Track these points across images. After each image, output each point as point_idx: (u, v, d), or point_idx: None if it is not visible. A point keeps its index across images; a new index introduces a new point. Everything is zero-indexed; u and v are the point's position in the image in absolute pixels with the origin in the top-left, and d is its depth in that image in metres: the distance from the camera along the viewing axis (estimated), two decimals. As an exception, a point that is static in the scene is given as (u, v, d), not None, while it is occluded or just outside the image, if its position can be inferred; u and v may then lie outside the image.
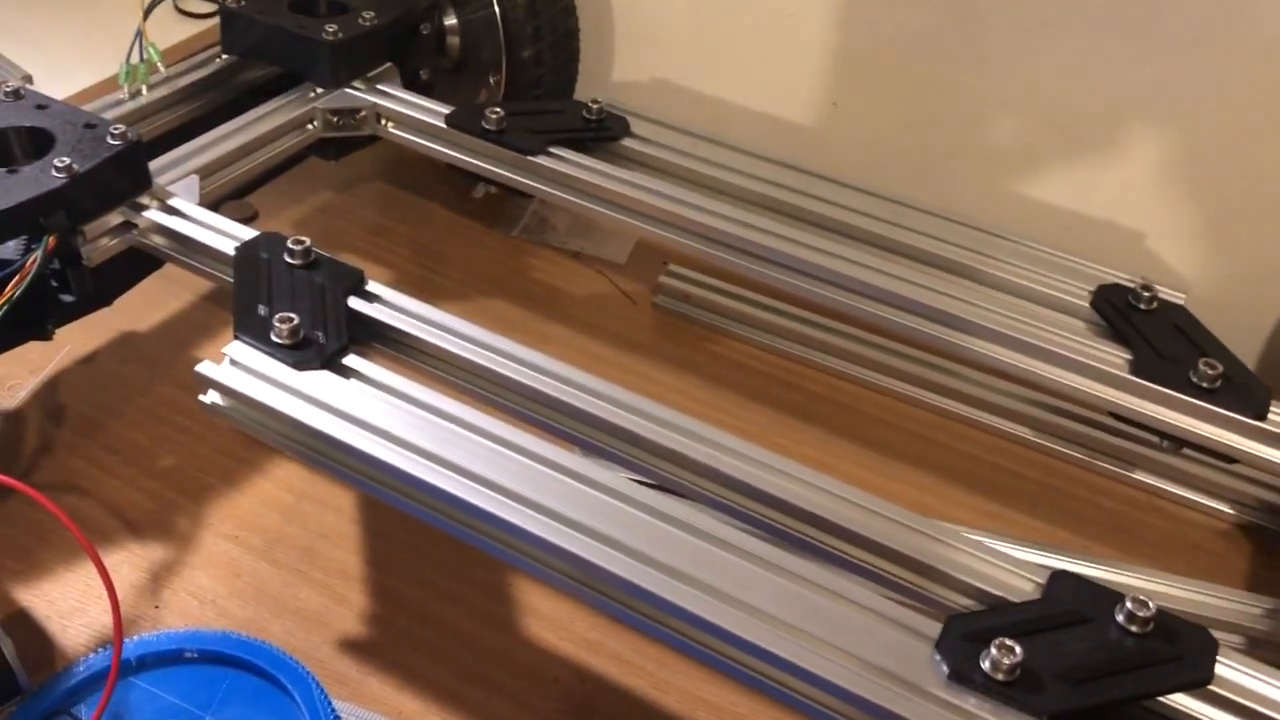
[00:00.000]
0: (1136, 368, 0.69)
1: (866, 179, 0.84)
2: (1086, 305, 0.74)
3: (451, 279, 0.96)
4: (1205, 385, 0.67)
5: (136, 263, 0.74)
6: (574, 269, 0.99)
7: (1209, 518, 0.80)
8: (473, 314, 0.66)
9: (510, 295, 0.94)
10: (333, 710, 0.60)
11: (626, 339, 0.92)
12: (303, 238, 0.68)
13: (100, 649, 0.62)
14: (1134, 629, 0.52)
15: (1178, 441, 0.69)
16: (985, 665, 0.49)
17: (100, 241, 0.71)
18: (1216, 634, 0.53)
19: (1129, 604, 0.52)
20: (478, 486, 0.56)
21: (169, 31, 1.01)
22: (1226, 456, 0.68)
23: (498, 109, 0.83)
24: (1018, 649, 0.49)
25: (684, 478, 0.60)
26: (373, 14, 0.89)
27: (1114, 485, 0.82)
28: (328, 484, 0.75)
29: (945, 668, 0.50)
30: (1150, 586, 0.70)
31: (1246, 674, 0.51)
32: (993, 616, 0.52)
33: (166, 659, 0.61)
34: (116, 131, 0.71)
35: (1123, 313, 0.72)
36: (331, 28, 0.86)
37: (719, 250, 0.78)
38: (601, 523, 0.54)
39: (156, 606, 0.67)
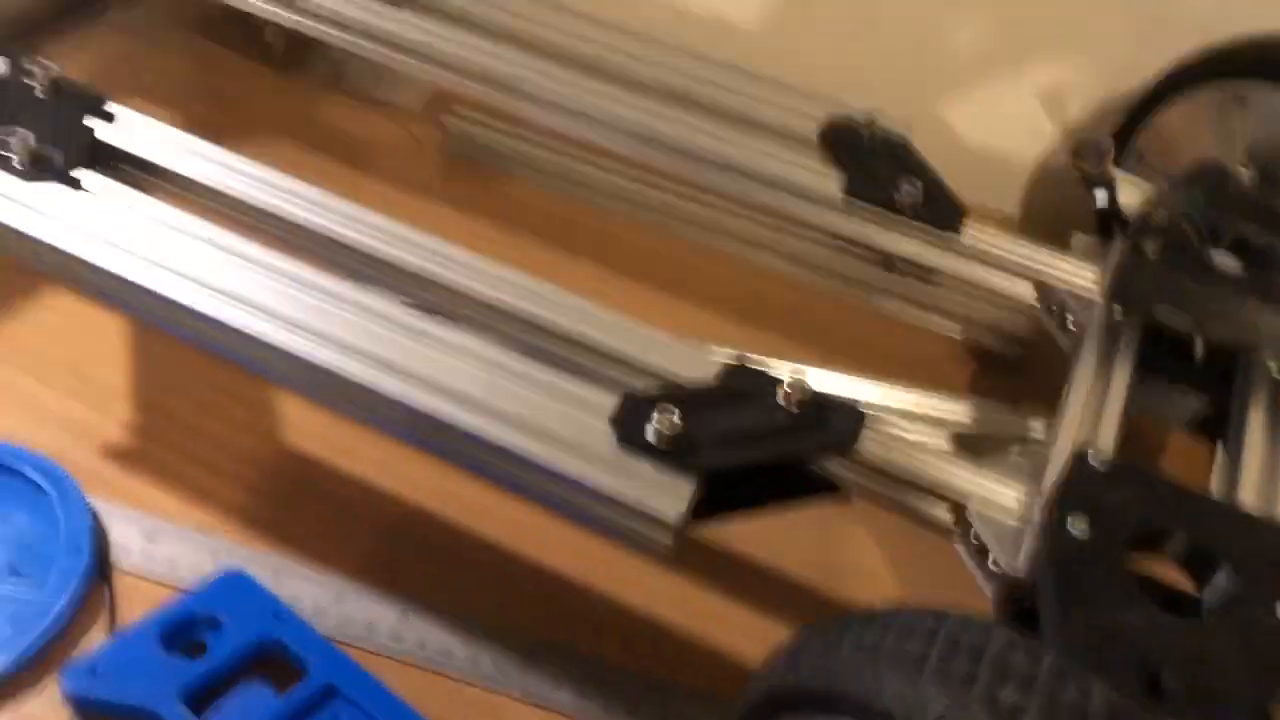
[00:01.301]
0: (847, 189, 0.75)
1: (655, 30, 0.87)
2: (814, 137, 0.79)
3: (238, 124, 0.97)
4: (907, 203, 0.74)
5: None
6: (367, 116, 1.01)
7: (944, 339, 0.88)
8: (254, 158, 0.68)
9: (298, 140, 0.97)
10: (86, 503, 0.64)
11: (411, 181, 0.95)
12: (48, 61, 0.70)
13: None
14: (791, 407, 0.58)
15: (886, 258, 0.76)
16: (649, 432, 0.55)
17: None
18: (920, 428, 0.60)
19: (787, 385, 0.58)
20: (209, 292, 0.60)
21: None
22: (925, 268, 0.75)
23: (264, -58, 0.85)
24: (677, 416, 0.55)
25: (416, 289, 0.65)
26: None
27: (858, 311, 0.89)
28: (99, 312, 0.77)
29: (615, 435, 0.56)
30: (878, 396, 0.76)
31: (888, 443, 0.58)
32: (664, 394, 0.58)
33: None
34: None
35: (845, 144, 0.78)
36: None
37: (498, 91, 0.82)
38: (329, 324, 0.59)
39: (-79, 423, 0.70)
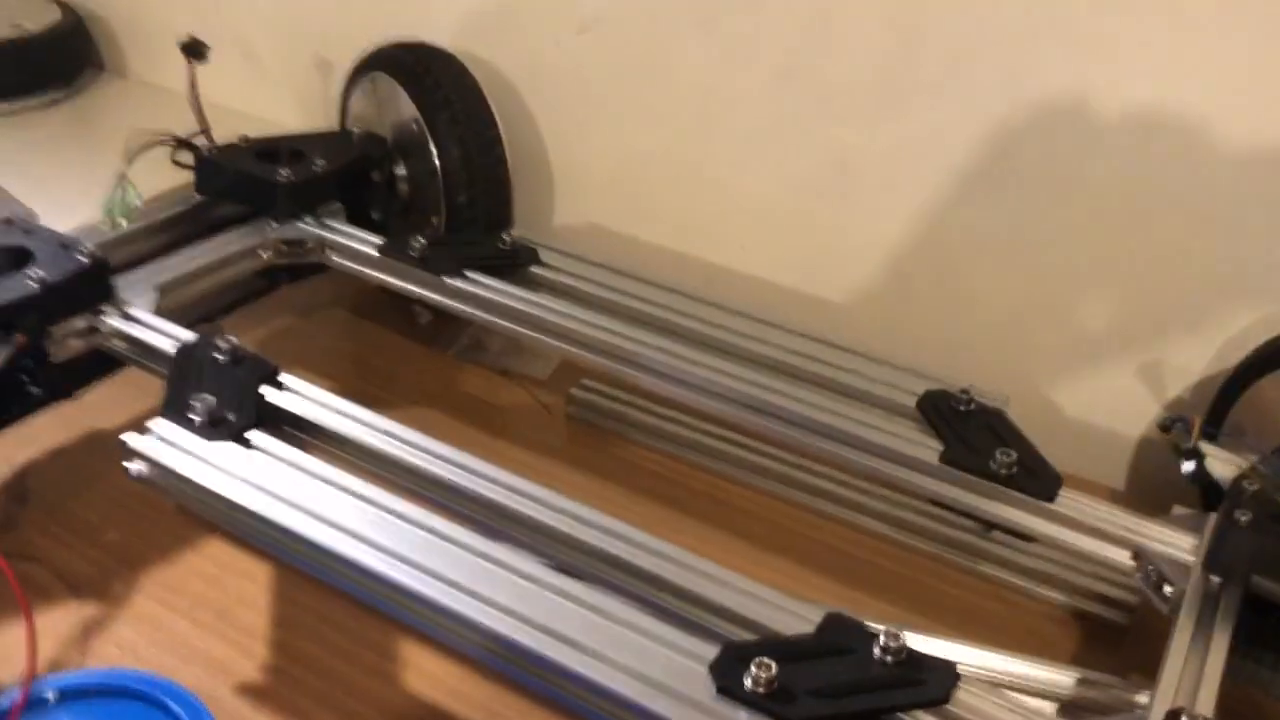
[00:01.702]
0: (945, 458, 0.79)
1: (760, 307, 0.96)
2: (913, 406, 0.84)
3: (387, 391, 1.08)
4: (1003, 471, 0.77)
5: (98, 363, 0.87)
6: (500, 384, 1.11)
7: (1045, 605, 0.88)
8: (400, 420, 0.76)
9: (438, 405, 1.06)
10: (222, 738, 0.69)
11: (539, 443, 1.03)
12: (231, 337, 0.80)
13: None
14: (886, 658, 0.61)
15: (984, 523, 0.79)
16: (747, 681, 0.58)
17: (65, 342, 0.84)
18: (1028, 698, 0.62)
19: (883, 638, 0.61)
20: (359, 543, 0.66)
21: (161, 179, 1.15)
22: (1024, 535, 0.77)
23: (422, 239, 0.97)
24: (774, 666, 0.58)
25: (540, 541, 0.71)
26: (324, 162, 1.03)
27: (960, 576, 0.91)
28: (249, 557, 0.85)
29: (714, 684, 0.59)
30: (977, 660, 0.77)
31: (984, 700, 0.60)
32: (763, 645, 0.61)
33: (81, 693, 0.71)
34: (85, 250, 0.85)
35: (943, 414, 0.83)
36: (286, 172, 1.00)
37: (618, 364, 0.90)
38: (458, 572, 0.64)
39: (83, 654, 0.76)
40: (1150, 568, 0.73)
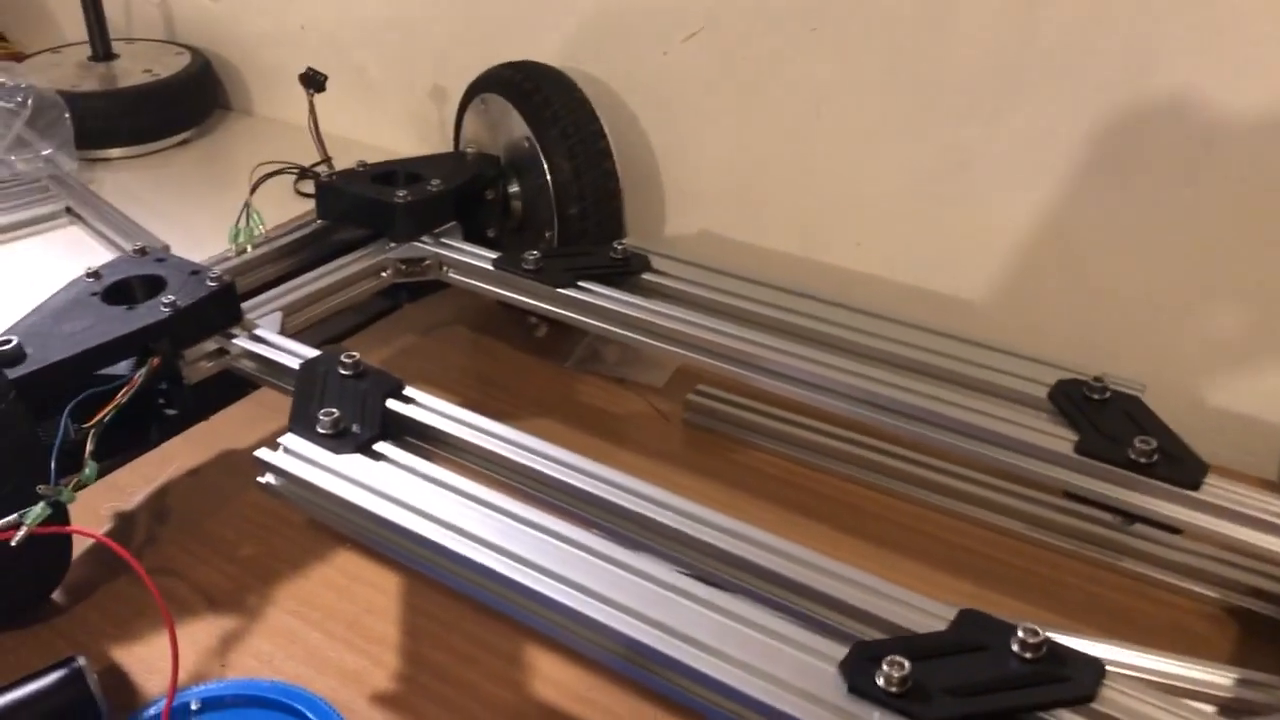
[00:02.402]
0: (1080, 448, 0.75)
1: (878, 305, 0.94)
2: (1044, 398, 0.81)
3: (507, 403, 1.08)
4: (1142, 460, 0.73)
5: (230, 384, 0.90)
6: (617, 393, 1.10)
7: (1195, 602, 0.84)
8: (521, 430, 0.77)
9: (557, 416, 1.06)
10: (355, 745, 0.70)
11: (657, 450, 1.02)
12: (354, 353, 0.82)
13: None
14: (1026, 655, 0.58)
15: (1125, 515, 0.75)
16: (879, 680, 0.56)
17: (198, 364, 0.87)
18: (1185, 701, 0.59)
19: (1021, 632, 0.58)
20: (484, 549, 0.66)
21: (287, 209, 1.19)
22: (1168, 527, 0.73)
23: (535, 252, 0.98)
24: (907, 664, 0.56)
25: (663, 544, 0.70)
26: (439, 182, 1.05)
27: (1101, 573, 0.87)
28: (377, 568, 0.86)
29: (845, 683, 0.57)
30: (1124, 658, 0.74)
31: (1133, 697, 0.57)
32: (895, 643, 0.59)
33: (222, 703, 0.73)
34: (214, 275, 0.88)
35: (1076, 403, 0.79)
36: (402, 193, 1.02)
37: (735, 367, 0.89)
38: (584, 577, 0.64)
39: (223, 665, 0.78)
40: (1311, 557, 0.68)
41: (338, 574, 0.87)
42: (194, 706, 0.72)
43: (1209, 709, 0.62)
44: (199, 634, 0.81)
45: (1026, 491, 0.90)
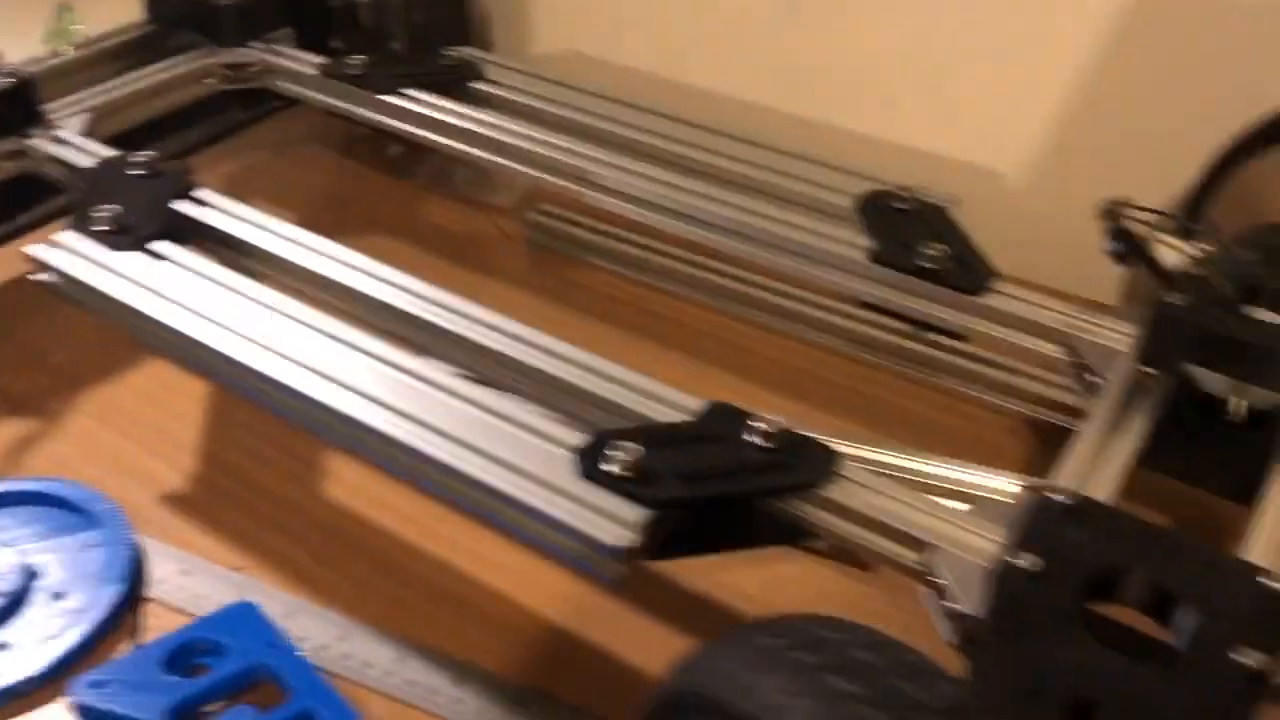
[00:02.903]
0: (873, 256, 0.75)
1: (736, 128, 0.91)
2: (852, 209, 0.80)
3: (349, 221, 1.06)
4: (930, 266, 0.73)
5: (31, 188, 0.87)
6: (464, 213, 1.09)
7: (997, 415, 0.85)
8: (361, 251, 0.75)
9: (398, 234, 1.05)
10: (131, 538, 0.70)
11: (498, 269, 1.01)
12: (148, 152, 0.79)
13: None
14: (761, 442, 0.58)
15: (915, 323, 0.75)
16: (608, 465, 0.56)
17: (-5, 165, 0.84)
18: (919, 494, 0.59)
19: (758, 422, 0.58)
20: (276, 360, 0.64)
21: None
22: (953, 333, 0.73)
23: (360, 57, 0.94)
24: (637, 450, 0.56)
25: (439, 346, 0.69)
26: (271, -16, 1.01)
27: (918, 390, 0.87)
28: (190, 376, 0.85)
29: (577, 467, 0.57)
30: (879, 457, 0.73)
31: (860, 486, 0.57)
32: (633, 431, 0.59)
33: None
34: (6, 72, 0.84)
35: (882, 213, 0.78)
36: (230, -5, 0.98)
37: (569, 183, 0.86)
38: (353, 375, 0.63)
39: (16, 468, 0.78)
40: (1080, 361, 0.68)
41: (149, 381, 0.86)
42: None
43: (949, 503, 0.63)
44: (-5, 438, 0.81)
45: (849, 310, 0.89)
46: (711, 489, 0.56)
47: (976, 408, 0.85)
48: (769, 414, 0.59)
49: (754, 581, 0.71)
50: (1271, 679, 0.45)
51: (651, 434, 0.59)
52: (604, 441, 0.57)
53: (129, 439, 0.81)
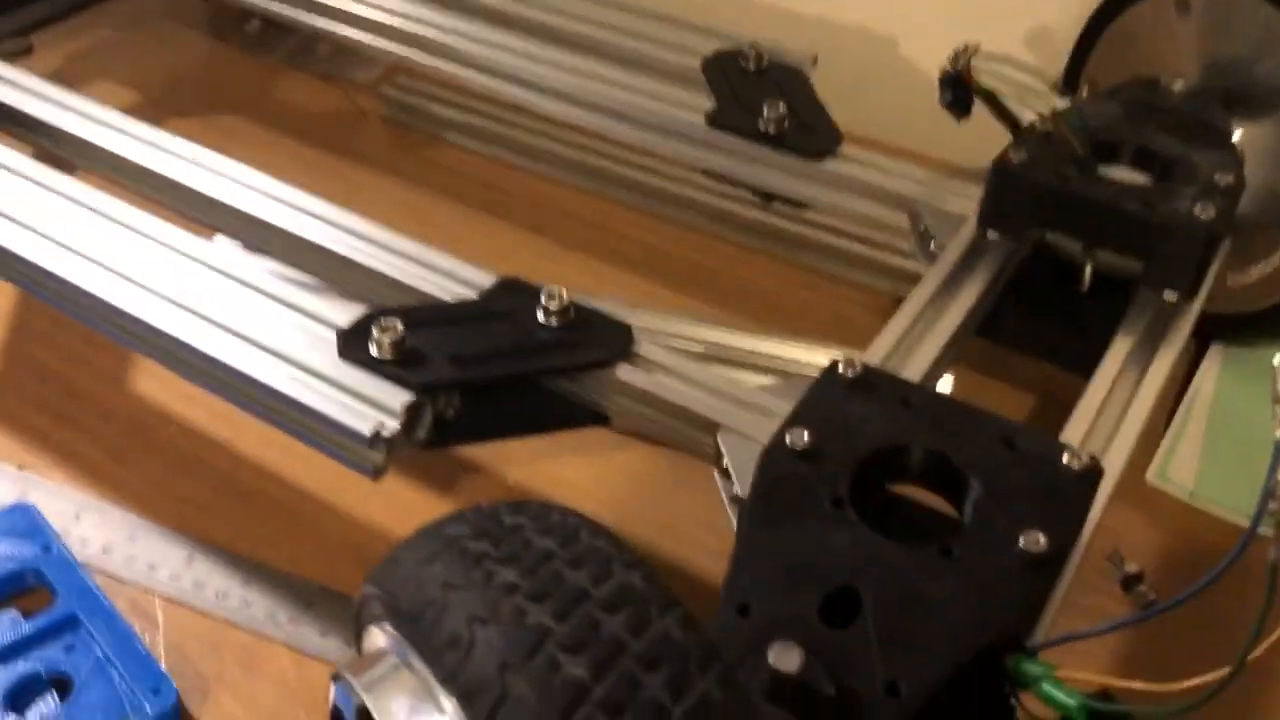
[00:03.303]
0: (710, 119, 0.68)
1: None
2: (697, 69, 0.73)
3: (199, 101, 0.99)
4: (771, 130, 0.67)
5: None
6: (322, 90, 1.01)
7: (864, 293, 0.79)
8: (202, 132, 0.68)
9: (248, 116, 0.97)
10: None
11: (353, 151, 0.94)
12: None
13: None
14: (550, 321, 0.53)
15: (764, 195, 0.69)
16: (370, 345, 0.51)
17: None
18: (731, 369, 0.54)
19: (544, 297, 0.53)
20: (60, 251, 0.58)
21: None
22: (796, 202, 0.68)
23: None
24: (400, 328, 0.51)
25: (225, 220, 0.63)
26: None
27: (776, 266, 0.82)
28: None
29: (339, 349, 0.52)
30: (728, 340, 0.68)
31: (655, 365, 0.52)
32: (406, 310, 0.53)
33: None
34: None
35: (728, 75, 0.72)
36: None
37: (420, 53, 0.80)
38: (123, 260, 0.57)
39: None
40: (923, 228, 0.63)
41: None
42: None
43: (756, 378, 0.58)
44: None
45: (700, 180, 0.83)
46: (485, 370, 0.51)
47: (836, 284, 0.80)
48: (560, 289, 0.54)
49: (578, 471, 0.67)
50: (1056, 565, 0.40)
51: (421, 312, 0.53)
52: (371, 321, 0.52)
53: (-74, 335, 0.75)
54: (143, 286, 0.55)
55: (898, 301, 0.77)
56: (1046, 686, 0.37)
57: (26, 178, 0.63)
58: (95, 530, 0.62)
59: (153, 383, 0.72)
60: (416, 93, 0.95)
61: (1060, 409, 0.54)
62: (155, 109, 0.97)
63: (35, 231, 0.59)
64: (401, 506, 0.65)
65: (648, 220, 0.87)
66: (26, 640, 0.54)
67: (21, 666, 0.54)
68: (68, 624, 0.55)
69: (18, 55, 0.99)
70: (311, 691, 0.55)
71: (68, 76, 1.00)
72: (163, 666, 0.55)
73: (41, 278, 0.58)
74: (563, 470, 0.67)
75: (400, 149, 0.95)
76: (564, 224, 0.86)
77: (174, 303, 0.54)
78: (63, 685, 0.53)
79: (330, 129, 0.97)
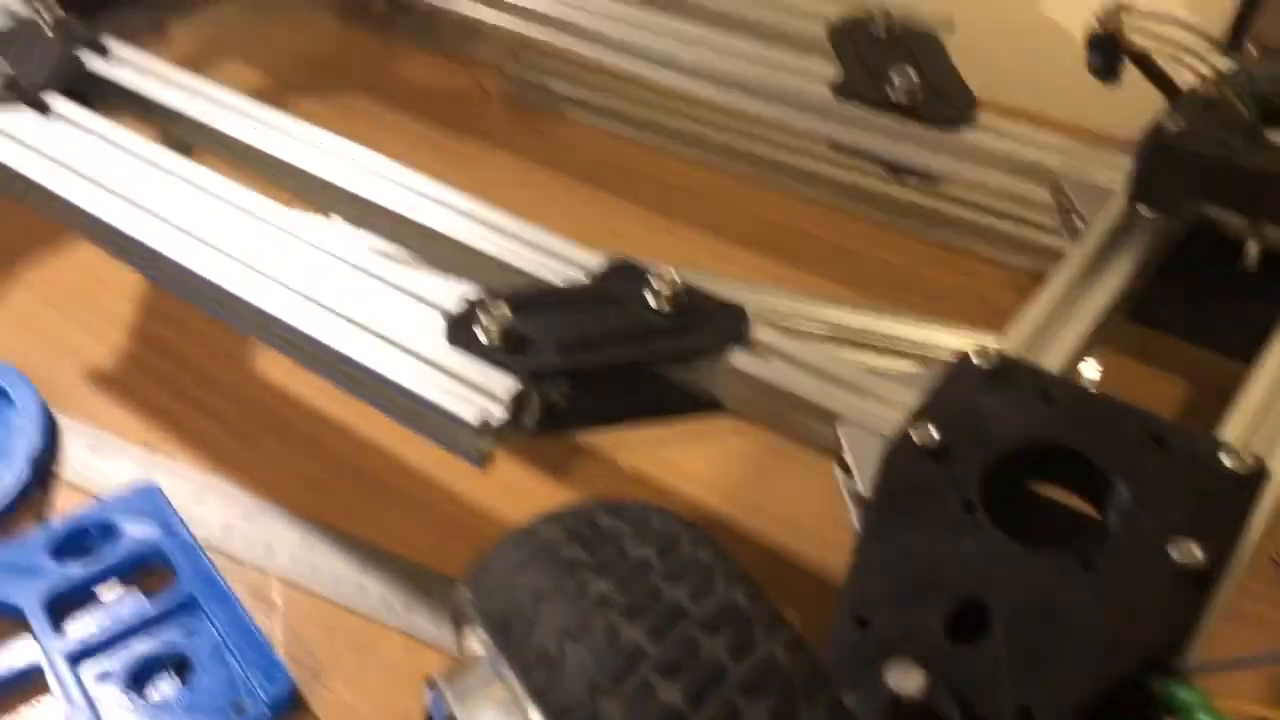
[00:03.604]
0: (837, 89, 0.65)
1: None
2: (823, 37, 0.70)
3: (327, 80, 1.00)
4: (903, 100, 0.63)
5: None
6: (445, 70, 1.01)
7: (1007, 272, 0.75)
8: (324, 112, 0.68)
9: (370, 96, 0.98)
10: (44, 414, 0.67)
11: (476, 129, 0.93)
12: (53, 5, 0.73)
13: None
14: (660, 305, 0.51)
15: (895, 168, 0.65)
16: (477, 330, 0.50)
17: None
18: (861, 353, 0.52)
19: (654, 280, 0.51)
20: (171, 233, 0.59)
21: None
22: (928, 176, 0.64)
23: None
24: (507, 312, 0.49)
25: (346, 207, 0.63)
26: None
27: (910, 243, 0.78)
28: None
29: (446, 334, 0.50)
30: (865, 323, 0.65)
31: (771, 351, 0.49)
32: (516, 294, 0.52)
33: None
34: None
35: (856, 43, 0.68)
36: None
37: (542, 29, 0.79)
38: (252, 250, 0.58)
39: (-52, 342, 0.75)
40: (1066, 202, 0.58)
41: (91, 255, 0.81)
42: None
43: (894, 363, 0.54)
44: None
45: (830, 155, 0.79)
46: (593, 357, 0.49)
47: (975, 261, 0.75)
48: (671, 270, 0.51)
49: (694, 457, 0.64)
50: (1212, 579, 0.36)
51: (528, 296, 0.52)
52: (478, 306, 0.50)
53: (62, 313, 0.77)
54: (257, 270, 0.55)
55: (1039, 280, 0.73)
56: (1201, 717, 0.33)
57: (147, 161, 0.64)
58: (216, 511, 0.63)
59: (274, 364, 0.72)
60: (539, 69, 0.93)
61: (1217, 399, 0.50)
62: (283, 90, 0.98)
63: (153, 215, 0.59)
64: (515, 491, 0.63)
65: (772, 196, 0.83)
66: (148, 621, 0.55)
67: (143, 646, 0.54)
68: (187, 606, 0.56)
69: (151, 37, 1.02)
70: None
71: (198, 59, 1.02)
72: (278, 651, 0.55)
73: (158, 263, 0.58)
74: (678, 456, 0.65)
75: (522, 126, 0.93)
76: (685, 201, 0.84)
77: (287, 287, 0.54)
78: (181, 666, 0.54)
79: (453, 107, 0.96)
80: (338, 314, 0.52)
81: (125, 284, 0.79)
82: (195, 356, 0.73)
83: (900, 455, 0.40)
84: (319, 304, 0.53)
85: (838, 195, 0.80)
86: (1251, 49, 0.69)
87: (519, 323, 0.49)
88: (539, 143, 0.91)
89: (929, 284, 0.75)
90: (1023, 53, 0.85)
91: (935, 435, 0.40)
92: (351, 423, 0.68)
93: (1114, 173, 0.57)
